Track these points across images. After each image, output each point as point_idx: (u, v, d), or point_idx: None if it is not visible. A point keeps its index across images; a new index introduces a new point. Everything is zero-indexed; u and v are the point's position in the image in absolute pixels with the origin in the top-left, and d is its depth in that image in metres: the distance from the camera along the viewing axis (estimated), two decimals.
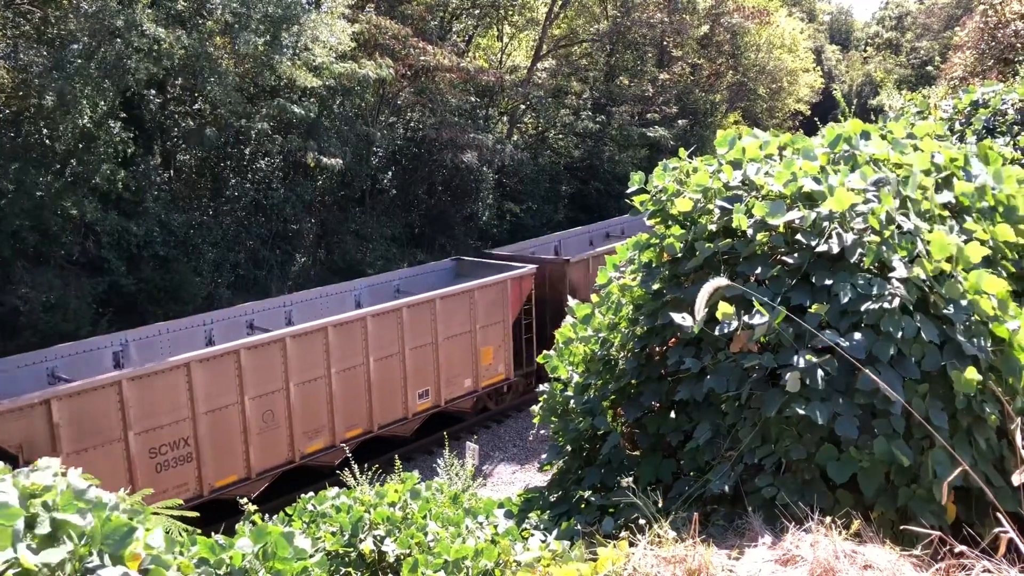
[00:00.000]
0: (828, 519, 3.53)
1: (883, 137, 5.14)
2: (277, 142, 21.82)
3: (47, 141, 17.78)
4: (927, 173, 4.75)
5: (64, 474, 2.72)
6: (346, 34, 21.38)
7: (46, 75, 16.17)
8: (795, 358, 3.99)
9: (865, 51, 74.32)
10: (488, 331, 18.67)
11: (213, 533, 3.98)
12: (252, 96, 21.44)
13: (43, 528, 2.35)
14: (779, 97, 45.08)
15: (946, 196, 4.62)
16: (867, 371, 3.82)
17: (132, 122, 19.43)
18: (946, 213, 4.51)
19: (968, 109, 10.55)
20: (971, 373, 3.80)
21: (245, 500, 5.11)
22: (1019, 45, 23.99)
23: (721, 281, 3.98)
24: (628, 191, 5.44)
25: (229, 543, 3.35)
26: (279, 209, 22.46)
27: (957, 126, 10.36)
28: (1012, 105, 10.04)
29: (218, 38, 19.54)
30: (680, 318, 4.41)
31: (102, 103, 17.58)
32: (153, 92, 19.92)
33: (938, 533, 3.46)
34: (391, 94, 26.17)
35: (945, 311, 4.03)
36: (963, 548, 3.34)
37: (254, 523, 4.97)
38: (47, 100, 16.73)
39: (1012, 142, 9.18)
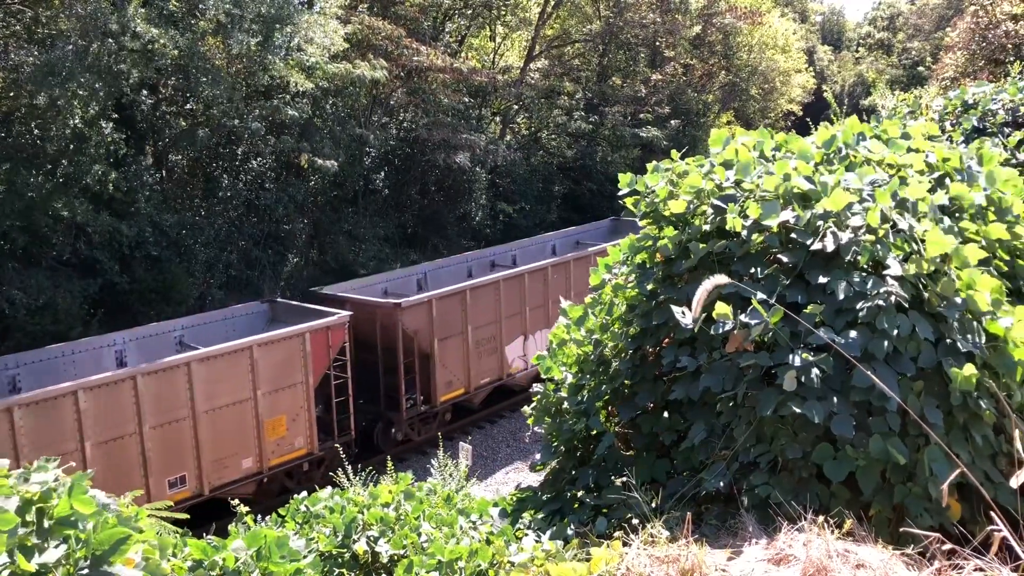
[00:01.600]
0: (821, 518, 3.54)
1: (878, 137, 5.15)
2: (270, 143, 21.77)
3: (38, 142, 17.70)
4: (921, 173, 4.77)
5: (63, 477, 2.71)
6: (339, 34, 21.34)
7: (37, 76, 16.10)
8: (791, 357, 4.00)
9: (857, 51, 74.53)
10: (278, 396, 15.22)
11: (205, 535, 3.97)
12: (245, 97, 21.38)
13: (40, 534, 2.35)
14: (771, 97, 45.18)
15: (940, 196, 4.64)
16: (862, 367, 3.83)
17: (124, 123, 19.37)
18: (939, 214, 4.52)
19: (959, 110, 10.58)
20: (969, 370, 3.82)
21: (236, 501, 5.10)
22: (1010, 46, 24.09)
23: (721, 279, 3.98)
24: (620, 192, 5.45)
25: (222, 545, 3.34)
26: (271, 209, 22.41)
27: (948, 126, 10.39)
28: (1002, 105, 10.07)
29: (210, 38, 19.49)
30: (680, 313, 4.41)
31: (94, 104, 17.52)
32: (145, 93, 19.86)
33: (936, 535, 3.47)
34: (384, 95, 26.14)
35: (940, 308, 4.04)
36: (955, 547, 3.35)
37: (247, 524, 4.96)
38: (39, 100, 16.66)
39: (1002, 143, 9.21)
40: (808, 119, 14.94)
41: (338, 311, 16.44)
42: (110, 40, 16.90)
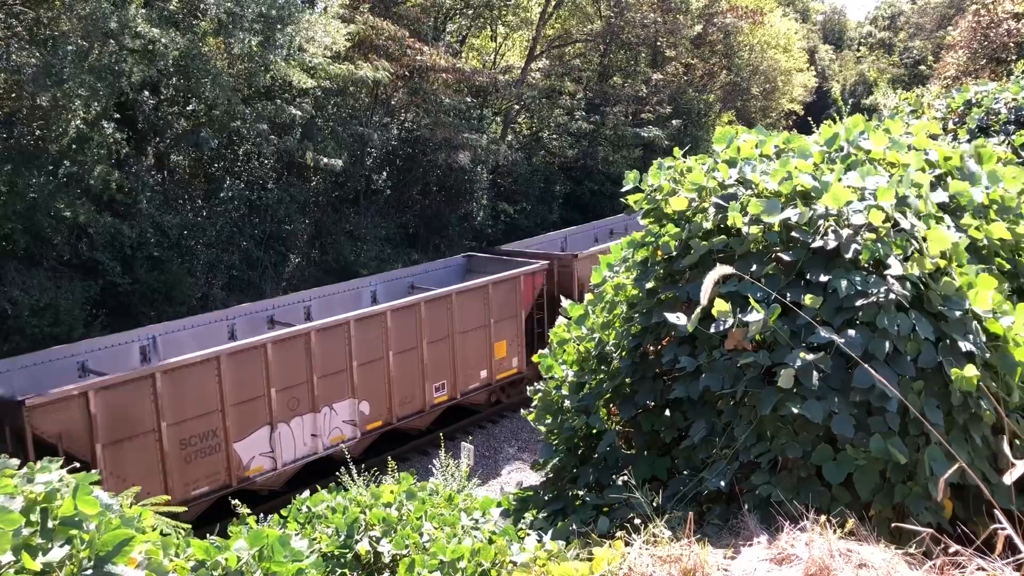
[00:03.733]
0: (823, 518, 3.53)
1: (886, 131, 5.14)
2: (273, 143, 21.78)
3: (40, 142, 17.71)
4: (922, 172, 4.76)
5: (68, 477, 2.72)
6: (341, 34, 21.36)
7: (39, 76, 16.11)
8: (790, 356, 4.00)
9: (858, 51, 74.49)
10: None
11: (208, 534, 3.98)
12: (247, 97, 21.39)
13: (44, 534, 2.36)
14: (773, 97, 45.15)
15: (941, 195, 4.64)
16: (865, 366, 3.83)
17: (125, 123, 19.38)
18: (940, 213, 4.52)
19: (961, 108, 10.58)
20: (970, 371, 3.81)
21: (237, 501, 5.11)
22: (1011, 44, 24.08)
23: (725, 269, 3.98)
24: (623, 190, 5.45)
25: (225, 545, 3.34)
26: (273, 210, 22.42)
27: (950, 125, 10.39)
28: (1005, 104, 10.07)
29: (211, 38, 19.50)
30: (674, 318, 4.41)
31: (95, 105, 17.53)
32: (147, 93, 19.87)
33: (930, 530, 3.47)
34: (385, 95, 26.15)
35: (940, 308, 4.04)
36: (958, 547, 3.35)
37: (249, 525, 4.97)
38: (40, 101, 16.67)
39: (1006, 141, 9.20)
40: (809, 118, 14.94)
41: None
42: (111, 41, 16.91)
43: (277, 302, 17.77)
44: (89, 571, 2.35)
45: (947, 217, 4.45)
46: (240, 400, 14.17)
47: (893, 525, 3.73)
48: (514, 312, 19.28)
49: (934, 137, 5.80)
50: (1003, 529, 3.19)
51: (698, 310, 4.03)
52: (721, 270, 3.96)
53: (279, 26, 19.28)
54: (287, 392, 14.89)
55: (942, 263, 4.10)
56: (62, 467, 2.84)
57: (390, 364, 16.66)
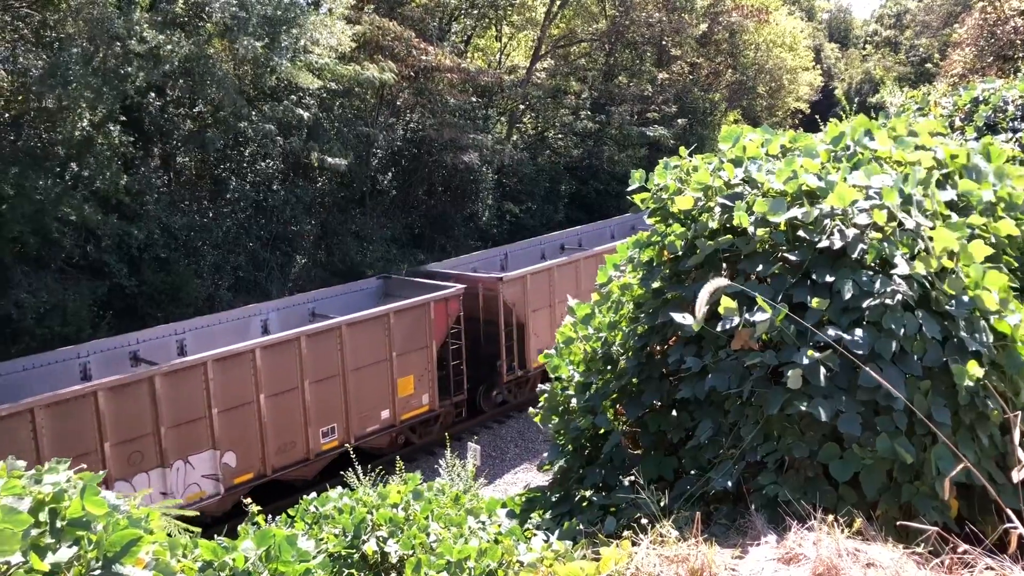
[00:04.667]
0: (831, 517, 3.53)
1: (892, 130, 5.12)
2: (279, 144, 21.83)
3: (47, 145, 17.78)
4: (929, 170, 4.74)
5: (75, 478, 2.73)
6: (346, 35, 21.39)
7: (45, 79, 16.17)
8: (797, 355, 3.99)
9: (864, 49, 74.31)
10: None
11: (216, 535, 3.98)
12: (252, 98, 21.45)
13: (53, 534, 2.37)
14: (779, 96, 45.06)
15: (948, 193, 4.62)
16: (868, 368, 3.82)
17: (131, 125, 19.44)
18: (947, 211, 4.50)
19: (968, 106, 10.54)
20: (972, 367, 3.80)
21: (249, 501, 5.11)
22: (1019, 41, 23.99)
23: (721, 281, 3.98)
24: (629, 189, 5.44)
25: (232, 545, 3.35)
26: (279, 211, 22.48)
27: (957, 122, 10.35)
28: (1012, 102, 10.03)
29: (216, 41, 19.54)
30: (680, 317, 4.40)
31: (101, 107, 17.59)
32: (153, 95, 19.92)
33: (937, 529, 3.46)
34: (391, 95, 26.18)
35: (947, 307, 4.02)
36: (966, 547, 3.34)
37: (257, 524, 4.98)
38: (47, 104, 16.73)
39: (1014, 139, 9.17)
40: (816, 116, 14.88)
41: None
42: (116, 44, 16.97)
43: (144, 335, 15.33)
44: (97, 571, 2.36)
45: (954, 215, 4.43)
46: (64, 457, 13.16)
47: (899, 524, 3.72)
48: (423, 343, 17.21)
49: (940, 135, 5.77)
50: (1015, 528, 3.18)
51: (700, 316, 4.02)
52: (717, 282, 3.96)
53: (284, 28, 19.31)
54: (126, 446, 12.91)
55: (948, 263, 4.08)
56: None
57: (262, 408, 14.48)
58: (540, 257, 22.90)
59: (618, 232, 25.39)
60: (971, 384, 3.84)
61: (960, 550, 3.33)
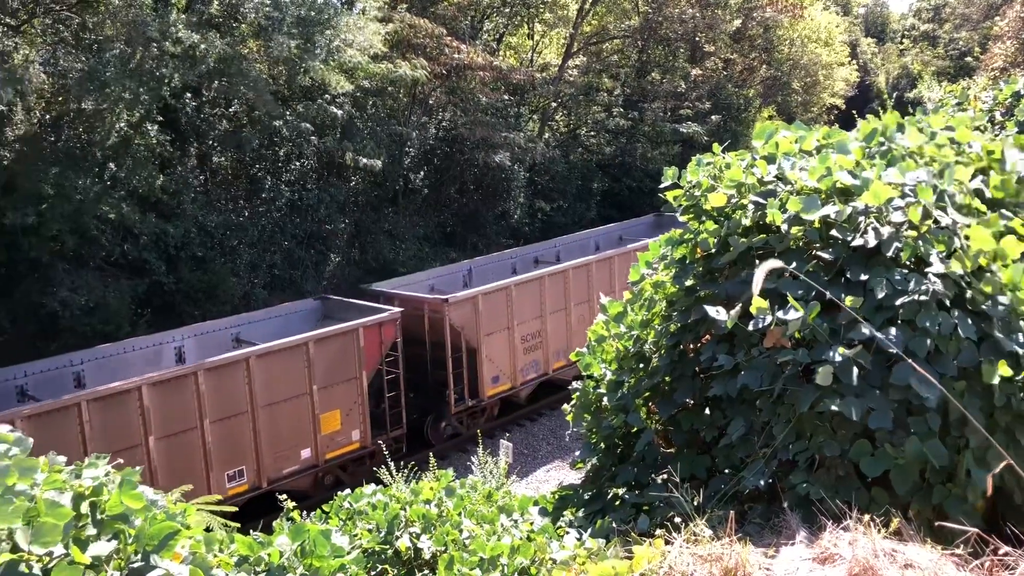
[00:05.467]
0: (867, 517, 3.49)
1: (920, 130, 5.05)
2: (313, 143, 22.01)
3: (86, 145, 18.09)
4: (964, 166, 4.67)
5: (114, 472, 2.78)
6: (378, 36, 21.50)
7: (84, 81, 16.44)
8: (829, 353, 3.95)
9: (901, 43, 73.23)
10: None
11: (252, 531, 4.03)
12: (286, 98, 21.64)
13: (91, 528, 2.42)
14: (814, 91, 44.56)
15: (984, 189, 4.55)
16: (908, 360, 3.77)
17: (168, 125, 19.71)
18: (983, 208, 4.42)
19: (1009, 100, 10.35)
20: (1002, 366, 3.74)
21: (284, 497, 5.17)
22: None
23: (775, 263, 3.95)
24: (661, 186, 5.42)
25: (268, 540, 3.39)
26: (313, 209, 22.67)
27: (998, 117, 10.17)
28: None
29: (251, 42, 19.74)
30: (714, 312, 4.38)
31: (139, 108, 17.86)
32: (189, 96, 20.18)
33: (976, 530, 3.41)
34: (423, 94, 26.27)
35: (983, 307, 3.96)
36: (1007, 548, 3.28)
37: (292, 520, 5.03)
38: (85, 105, 17.01)
39: None
40: (852, 112, 14.63)
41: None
42: (153, 45, 17.21)
43: (35, 367, 13.83)
44: (136, 564, 2.40)
45: (989, 212, 4.35)
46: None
47: (938, 524, 3.67)
48: (351, 374, 15.54)
49: (978, 130, 5.67)
50: None
51: (738, 306, 3.99)
52: (772, 263, 3.93)
53: (318, 29, 19.45)
54: None
55: (983, 261, 4.02)
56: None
57: (151, 452, 12.97)
58: (511, 271, 21.27)
59: (604, 243, 24.46)
60: (1006, 385, 3.78)
61: (1001, 552, 3.27)
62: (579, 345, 19.41)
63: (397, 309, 16.56)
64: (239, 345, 15.76)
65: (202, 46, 17.62)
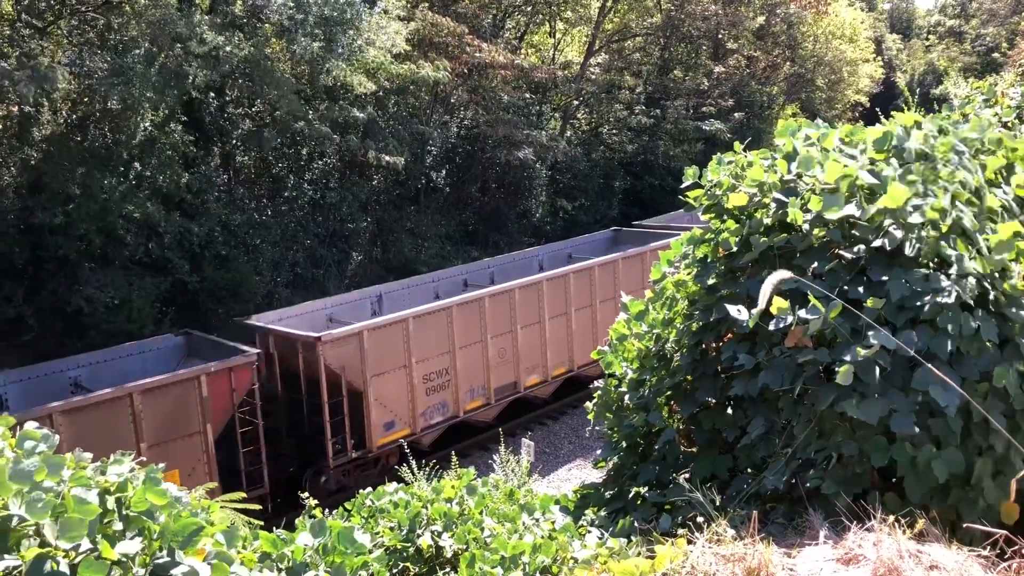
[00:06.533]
0: (891, 518, 3.46)
1: (941, 131, 4.98)
2: (335, 142, 22.12)
3: (111, 145, 18.29)
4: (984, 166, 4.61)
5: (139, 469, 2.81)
6: (400, 35, 21.56)
7: (110, 81, 16.62)
8: (849, 352, 3.92)
9: (927, 39, 72.47)
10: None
11: (275, 528, 4.06)
12: (308, 98, 21.77)
13: (117, 524, 2.45)
14: (838, 88, 44.22)
15: (1009, 188, 4.49)
16: (928, 366, 3.74)
17: (192, 125, 19.89)
18: (1011, 207, 4.37)
19: None
20: (1014, 371, 3.71)
21: (306, 495, 5.20)
22: None
23: (784, 274, 3.92)
24: (682, 186, 5.40)
25: (290, 538, 3.41)
26: (336, 208, 22.79)
27: None
28: None
29: (274, 42, 19.86)
30: (735, 311, 4.36)
31: (163, 107, 18.02)
32: (212, 95, 20.34)
33: (1005, 532, 3.37)
34: (445, 92, 26.33)
35: (1006, 309, 3.91)
36: None
37: (314, 517, 5.06)
38: (111, 104, 17.19)
39: None
40: (877, 109, 14.45)
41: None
42: (178, 45, 17.35)
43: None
44: (161, 560, 2.43)
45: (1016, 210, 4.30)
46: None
47: (966, 525, 3.64)
48: (193, 428, 13.53)
49: (1005, 127, 5.60)
50: None
51: (756, 311, 3.98)
52: (781, 274, 3.91)
53: (340, 29, 19.53)
54: None
55: (1010, 256, 3.97)
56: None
57: None
58: (433, 297, 19.02)
59: (550, 262, 22.07)
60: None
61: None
62: (497, 381, 17.97)
63: (254, 351, 14.49)
64: (77, 391, 13.65)
65: (227, 47, 17.75)
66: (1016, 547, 3.30)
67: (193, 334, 15.97)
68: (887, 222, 4.17)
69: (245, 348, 14.54)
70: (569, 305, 19.42)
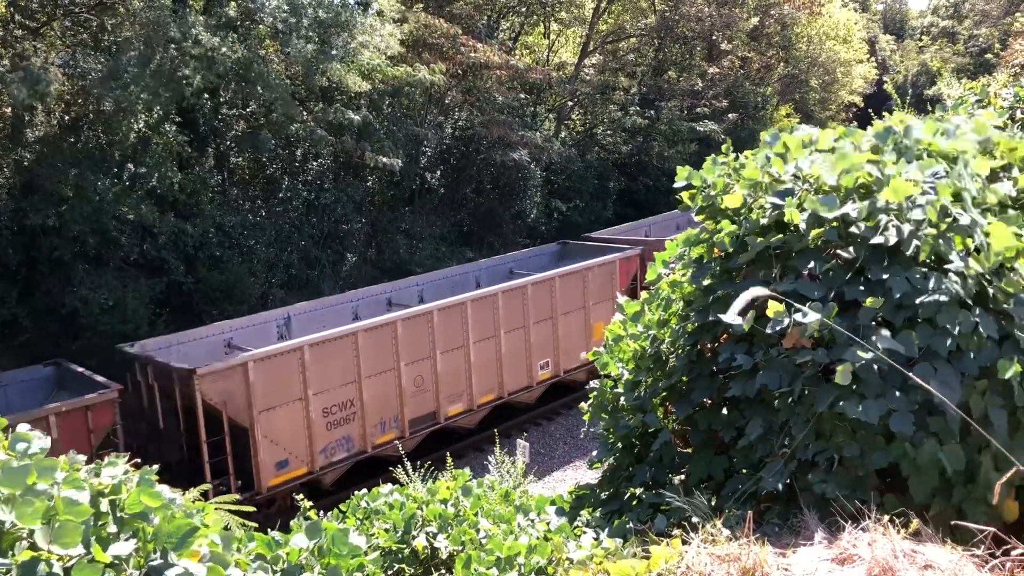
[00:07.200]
0: (886, 517, 3.46)
1: (940, 132, 5.00)
2: (330, 143, 22.11)
3: (105, 146, 18.24)
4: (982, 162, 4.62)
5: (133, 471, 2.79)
6: (394, 38, 21.55)
7: (103, 82, 16.58)
8: (848, 353, 3.92)
9: (920, 40, 72.68)
10: None
11: (269, 529, 4.05)
12: (303, 99, 21.75)
13: (111, 526, 2.44)
14: (832, 89, 44.31)
15: (1006, 186, 4.50)
16: (911, 375, 3.74)
17: (186, 126, 19.86)
18: (1008, 203, 4.38)
19: None
20: (1016, 364, 3.71)
21: (300, 496, 5.19)
22: None
23: (760, 291, 3.92)
24: (675, 186, 5.39)
25: (285, 539, 3.40)
26: (330, 209, 22.77)
27: (1019, 115, 10.06)
28: None
29: (269, 43, 19.84)
30: (728, 318, 4.36)
31: (157, 108, 17.98)
32: (206, 96, 20.31)
33: (992, 529, 3.38)
34: (439, 93, 26.33)
35: (1005, 306, 3.92)
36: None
37: (309, 519, 5.05)
38: (105, 106, 17.15)
39: None
40: (870, 110, 14.48)
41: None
42: (172, 47, 17.33)
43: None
44: (155, 562, 2.41)
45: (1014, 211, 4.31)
46: None
47: (953, 523, 3.65)
48: None
49: (999, 128, 5.61)
50: None
51: (742, 318, 3.97)
52: (755, 291, 3.90)
53: (334, 31, 19.51)
54: None
55: (1008, 253, 3.97)
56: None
57: None
58: (351, 318, 17.69)
59: (488, 278, 20.55)
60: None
61: (1016, 552, 3.24)
62: (410, 413, 16.91)
63: (115, 387, 13.51)
64: None
65: (222, 49, 17.72)
66: (1007, 546, 3.31)
67: (63, 365, 14.64)
68: (884, 219, 4.17)
69: (107, 383, 13.44)
70: (498, 327, 17.93)
